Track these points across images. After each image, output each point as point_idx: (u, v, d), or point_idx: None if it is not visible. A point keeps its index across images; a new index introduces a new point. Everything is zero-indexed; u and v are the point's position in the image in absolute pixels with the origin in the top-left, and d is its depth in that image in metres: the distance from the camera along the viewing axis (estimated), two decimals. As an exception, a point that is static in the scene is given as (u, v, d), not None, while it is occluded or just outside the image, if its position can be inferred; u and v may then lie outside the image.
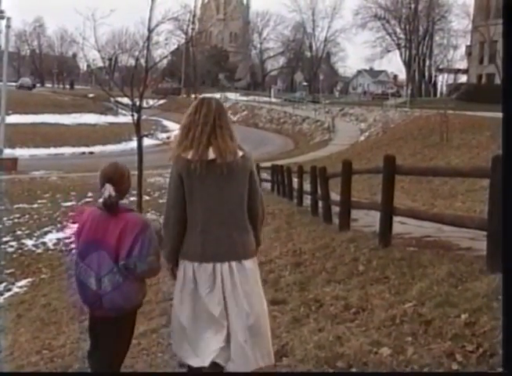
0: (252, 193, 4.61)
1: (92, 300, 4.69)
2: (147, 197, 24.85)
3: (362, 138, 57.14)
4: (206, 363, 4.43)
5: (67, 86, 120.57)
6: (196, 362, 4.49)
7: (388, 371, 4.15)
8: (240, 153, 4.58)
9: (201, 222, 4.49)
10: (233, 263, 4.48)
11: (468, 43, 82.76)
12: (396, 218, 9.09)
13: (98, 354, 4.83)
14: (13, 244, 20.14)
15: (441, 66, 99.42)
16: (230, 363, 4.43)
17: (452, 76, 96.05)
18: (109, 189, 4.65)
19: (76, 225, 4.91)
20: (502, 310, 3.94)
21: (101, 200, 4.71)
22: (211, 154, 4.43)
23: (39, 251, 19.32)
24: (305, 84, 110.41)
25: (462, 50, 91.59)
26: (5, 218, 23.69)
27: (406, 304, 5.95)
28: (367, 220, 11.95)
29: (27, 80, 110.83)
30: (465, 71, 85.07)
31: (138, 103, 21.61)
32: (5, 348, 9.16)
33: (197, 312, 4.49)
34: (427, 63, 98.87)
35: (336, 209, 12.36)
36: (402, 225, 9.96)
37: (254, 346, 4.48)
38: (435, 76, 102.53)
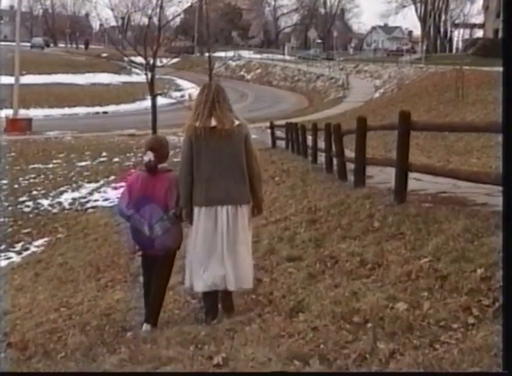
0: (248, 154, 5.89)
1: (146, 243, 6.08)
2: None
3: (377, 95, 56.79)
4: (211, 288, 5.85)
5: (81, 46, 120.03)
6: (202, 286, 5.87)
7: (389, 371, 4.15)
8: (237, 122, 5.87)
9: (206, 174, 5.80)
10: (229, 207, 5.82)
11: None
12: (411, 175, 9.03)
13: (150, 283, 6.22)
14: (29, 203, 20.29)
15: (457, 21, 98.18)
16: (227, 284, 5.83)
17: (468, 31, 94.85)
18: (149, 156, 6.01)
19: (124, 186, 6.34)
20: (503, 310, 3.93)
21: (144, 162, 6.11)
22: (213, 122, 5.75)
23: (55, 210, 19.46)
24: (319, 41, 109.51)
25: (479, 4, 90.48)
26: (20, 179, 23.83)
27: (422, 259, 5.94)
28: (382, 177, 11.91)
29: (38, 39, 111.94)
30: (481, 26, 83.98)
31: (151, 62, 21.57)
32: (25, 306, 9.27)
33: (205, 247, 5.82)
34: (443, 18, 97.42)
35: (350, 166, 12.31)
36: (416, 182, 9.90)
37: (239, 272, 5.86)
38: (451, 31, 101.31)
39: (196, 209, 5.86)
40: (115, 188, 20.14)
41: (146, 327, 6.09)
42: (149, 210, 5.97)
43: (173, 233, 6.03)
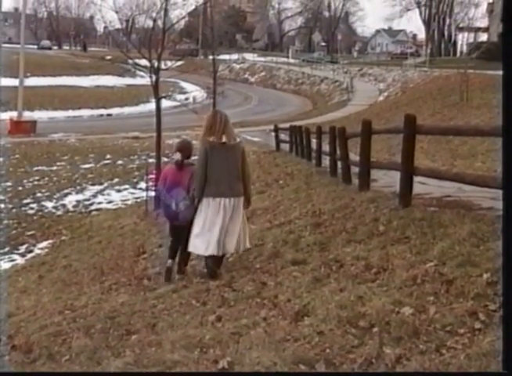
0: (243, 162, 8.09)
1: (173, 215, 8.47)
2: (166, 159, 24.87)
3: (381, 98, 56.80)
4: (214, 253, 7.92)
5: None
6: (207, 251, 7.97)
7: (388, 371, 4.13)
8: (238, 139, 8.10)
9: (216, 175, 7.90)
10: (231, 198, 7.92)
11: (490, 0, 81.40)
12: (416, 179, 9.00)
13: (177, 243, 8.62)
14: (34, 206, 20.32)
15: (461, 25, 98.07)
16: (227, 249, 8.09)
17: (472, 35, 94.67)
18: (177, 156, 8.40)
19: (158, 177, 8.87)
20: (503, 310, 3.90)
21: (174, 160, 8.56)
22: (224, 139, 7.88)
23: (59, 213, 19.48)
24: (323, 44, 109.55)
25: (483, 8, 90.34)
26: (24, 181, 23.86)
27: (427, 264, 5.92)
28: (386, 180, 11.88)
29: (47, 42, 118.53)
30: (486, 29, 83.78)
31: (156, 65, 21.53)
32: (29, 309, 9.25)
33: (209, 225, 7.93)
34: (447, 21, 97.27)
35: (355, 169, 12.28)
36: (421, 186, 9.86)
37: (238, 239, 8.08)
38: (455, 35, 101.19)
39: (205, 199, 7.95)
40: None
41: (177, 276, 8.51)
42: (177, 192, 8.29)
43: (191, 210, 8.18)
